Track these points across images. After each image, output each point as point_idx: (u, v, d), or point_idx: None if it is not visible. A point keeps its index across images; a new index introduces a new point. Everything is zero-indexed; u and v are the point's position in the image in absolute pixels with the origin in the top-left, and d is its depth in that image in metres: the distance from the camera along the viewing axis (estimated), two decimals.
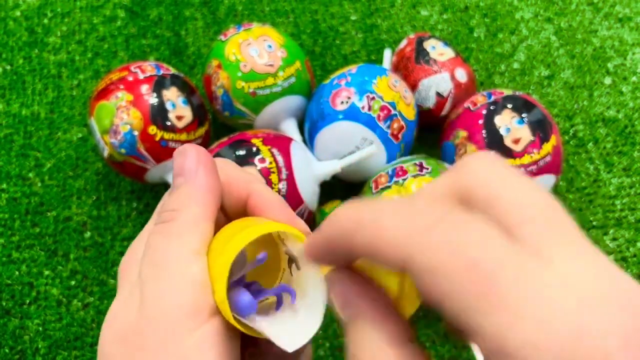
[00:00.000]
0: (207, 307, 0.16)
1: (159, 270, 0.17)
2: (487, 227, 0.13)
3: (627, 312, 0.12)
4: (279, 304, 0.18)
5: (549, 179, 0.39)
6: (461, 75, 0.43)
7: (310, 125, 0.41)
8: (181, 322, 0.16)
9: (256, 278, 0.19)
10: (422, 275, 0.13)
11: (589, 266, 0.13)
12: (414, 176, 0.36)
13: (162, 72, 0.40)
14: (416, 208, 0.14)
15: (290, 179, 0.36)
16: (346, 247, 0.15)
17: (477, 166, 0.15)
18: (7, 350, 0.39)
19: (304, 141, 0.43)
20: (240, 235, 0.17)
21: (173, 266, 0.17)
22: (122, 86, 0.39)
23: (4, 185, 0.45)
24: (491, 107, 0.39)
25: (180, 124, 0.39)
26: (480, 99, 0.40)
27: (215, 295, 0.17)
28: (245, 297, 0.17)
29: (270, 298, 0.18)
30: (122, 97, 0.38)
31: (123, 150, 0.38)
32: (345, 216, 0.15)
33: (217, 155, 0.37)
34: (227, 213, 0.20)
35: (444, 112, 0.43)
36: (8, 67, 0.51)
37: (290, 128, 0.43)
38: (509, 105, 0.39)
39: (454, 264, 0.13)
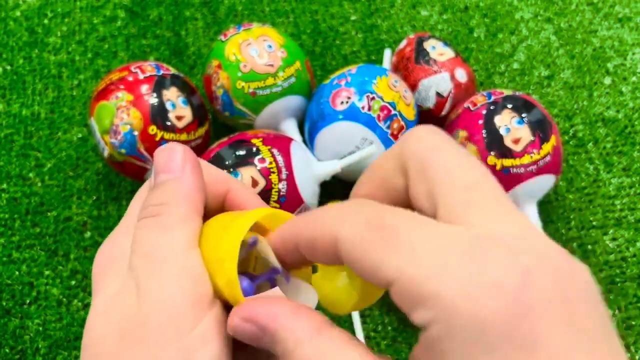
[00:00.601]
0: (207, 298, 0.17)
1: (154, 263, 0.17)
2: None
3: (526, 255, 0.13)
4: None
5: (549, 179, 0.39)
6: (461, 75, 0.43)
7: (310, 125, 0.41)
8: (184, 313, 0.16)
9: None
10: (343, 247, 0.15)
11: (499, 223, 0.14)
12: None
13: (162, 72, 0.40)
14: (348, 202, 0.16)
15: (290, 179, 0.36)
16: (295, 244, 0.17)
17: (414, 138, 0.16)
18: (7, 350, 0.39)
19: (304, 141, 0.43)
20: (242, 218, 0.17)
21: (169, 259, 0.17)
22: (122, 86, 0.39)
23: (4, 185, 0.45)
24: (491, 107, 0.39)
25: (180, 124, 0.39)
26: (480, 99, 0.40)
27: (222, 278, 0.17)
28: (243, 282, 0.17)
29: (263, 284, 0.19)
30: (122, 97, 0.38)
31: (123, 150, 0.38)
32: (296, 219, 0.17)
33: (217, 155, 0.37)
34: (206, 210, 0.20)
35: (443, 112, 0.43)
36: (8, 67, 0.51)
37: (290, 128, 0.43)
38: (509, 105, 0.39)
39: (366, 229, 0.14)
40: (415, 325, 0.13)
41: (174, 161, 0.19)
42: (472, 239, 0.13)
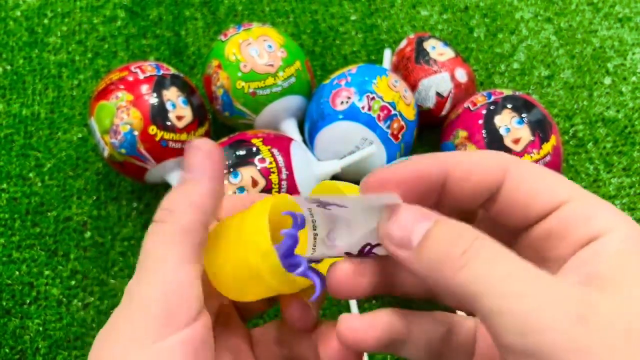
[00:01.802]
0: (182, 317, 0.16)
1: (144, 273, 0.17)
2: None
3: None
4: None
5: None
6: (461, 75, 0.43)
7: (310, 125, 0.41)
8: (147, 331, 0.16)
9: None
10: (517, 170, 0.17)
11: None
12: None
13: (162, 72, 0.40)
14: None
15: (290, 179, 0.36)
16: (444, 176, 0.17)
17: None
18: (7, 350, 0.39)
19: (304, 141, 0.43)
20: (260, 202, 0.18)
21: (158, 272, 0.17)
22: (122, 86, 0.39)
23: (4, 185, 0.45)
24: (491, 107, 0.39)
25: (180, 124, 0.39)
26: (480, 99, 0.40)
27: (260, 247, 0.17)
28: (288, 241, 0.18)
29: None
30: (122, 97, 0.38)
31: (123, 150, 0.38)
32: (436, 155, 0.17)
33: None
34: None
35: (443, 112, 0.43)
36: (8, 67, 0.51)
37: (290, 128, 0.43)
38: (509, 105, 0.39)
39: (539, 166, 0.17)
40: (587, 234, 0.15)
41: (197, 161, 0.18)
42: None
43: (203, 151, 0.18)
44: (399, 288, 0.19)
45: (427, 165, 0.17)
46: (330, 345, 0.19)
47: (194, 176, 0.18)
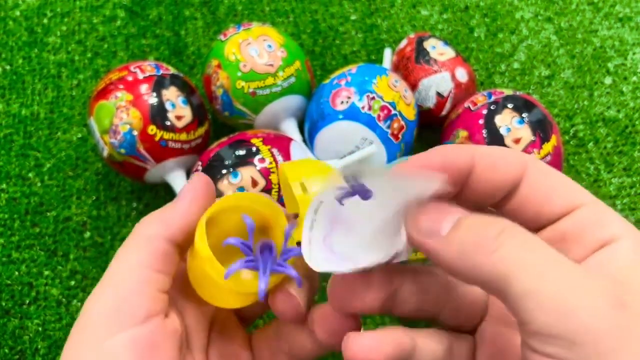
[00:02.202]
0: (130, 316, 0.17)
1: (105, 278, 0.19)
2: None
3: None
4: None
5: None
6: (461, 75, 0.43)
7: (310, 125, 0.41)
8: (98, 328, 0.17)
9: None
10: (534, 166, 0.17)
11: None
12: None
13: (161, 72, 0.40)
14: None
15: None
16: (471, 166, 0.17)
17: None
18: (6, 351, 0.39)
19: (304, 141, 0.43)
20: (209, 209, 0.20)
21: (111, 275, 0.19)
22: (121, 86, 0.39)
23: (4, 185, 0.45)
24: (491, 107, 0.39)
25: (179, 124, 0.39)
26: (480, 98, 0.40)
27: (201, 254, 0.18)
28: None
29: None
30: (121, 97, 0.38)
31: (123, 150, 0.38)
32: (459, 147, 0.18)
33: (216, 155, 0.37)
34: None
35: (444, 112, 0.43)
36: (8, 67, 0.51)
37: (290, 128, 0.42)
38: (509, 105, 0.39)
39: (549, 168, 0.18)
40: (600, 239, 0.16)
41: (183, 189, 0.20)
42: None
43: (191, 181, 0.20)
44: (400, 307, 0.19)
45: (456, 154, 0.17)
46: (325, 323, 0.20)
47: (176, 200, 0.20)
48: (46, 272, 0.41)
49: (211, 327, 0.22)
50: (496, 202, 0.18)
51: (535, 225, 0.17)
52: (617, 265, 0.15)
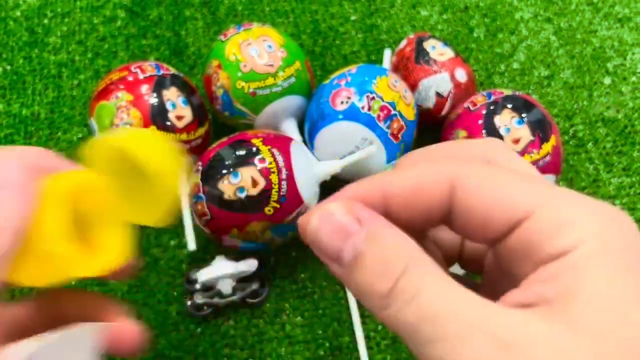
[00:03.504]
0: None
1: None
2: None
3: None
4: None
5: (549, 179, 0.39)
6: (461, 75, 0.43)
7: (310, 126, 0.41)
8: None
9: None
10: (466, 186, 0.15)
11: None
12: None
13: (162, 72, 0.40)
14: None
15: (290, 179, 0.36)
16: (384, 201, 0.15)
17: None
18: None
19: (304, 141, 0.43)
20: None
21: None
22: (122, 86, 0.39)
23: None
24: (491, 107, 0.39)
25: (180, 124, 0.39)
26: (480, 99, 0.40)
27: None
28: None
29: None
30: (122, 97, 0.38)
31: None
32: (378, 176, 0.16)
33: (217, 155, 0.37)
34: None
35: (443, 112, 0.43)
36: (8, 67, 0.51)
37: (290, 128, 0.43)
38: (509, 105, 0.39)
39: (492, 171, 0.15)
40: (550, 253, 0.13)
41: None
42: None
43: None
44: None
45: (365, 192, 0.15)
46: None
47: None
48: None
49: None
50: (440, 222, 0.16)
51: (488, 241, 0.15)
52: (553, 284, 0.13)
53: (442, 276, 0.14)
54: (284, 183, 0.36)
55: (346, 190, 0.16)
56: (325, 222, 0.15)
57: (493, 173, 0.14)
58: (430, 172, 0.15)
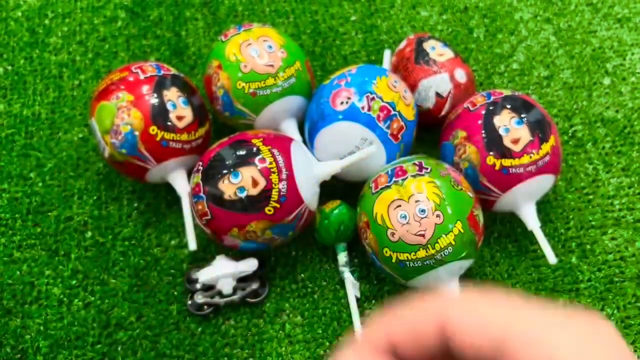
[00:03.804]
0: None
1: None
2: None
3: None
4: None
5: (548, 179, 0.39)
6: (460, 75, 0.43)
7: (310, 126, 0.41)
8: None
9: None
10: (454, 316, 0.14)
11: None
12: (414, 176, 0.36)
13: (162, 72, 0.40)
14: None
15: (291, 179, 0.36)
16: (390, 342, 0.15)
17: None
18: (8, 350, 0.39)
19: (304, 141, 0.43)
20: None
21: None
22: (122, 86, 0.39)
23: (5, 185, 0.45)
24: (490, 108, 0.39)
25: (180, 124, 0.39)
26: (479, 99, 0.40)
27: None
28: None
29: None
30: (122, 97, 0.38)
31: (124, 151, 0.38)
32: (430, 300, 0.15)
33: (217, 155, 0.37)
34: None
35: (443, 113, 0.43)
36: (9, 68, 0.51)
37: (290, 128, 0.43)
38: (508, 106, 0.39)
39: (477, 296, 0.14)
40: None
41: None
42: None
43: None
44: None
45: (422, 321, 0.15)
46: None
47: None
48: (47, 272, 0.42)
49: None
50: None
51: None
52: None
53: None
54: (284, 183, 0.36)
55: (403, 316, 0.16)
56: None
57: (544, 330, 0.14)
58: (420, 311, 0.15)
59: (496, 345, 0.14)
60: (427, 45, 0.44)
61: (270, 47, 0.41)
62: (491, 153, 0.38)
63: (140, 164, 0.39)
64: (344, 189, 0.44)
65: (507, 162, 0.37)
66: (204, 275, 0.39)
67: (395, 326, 0.15)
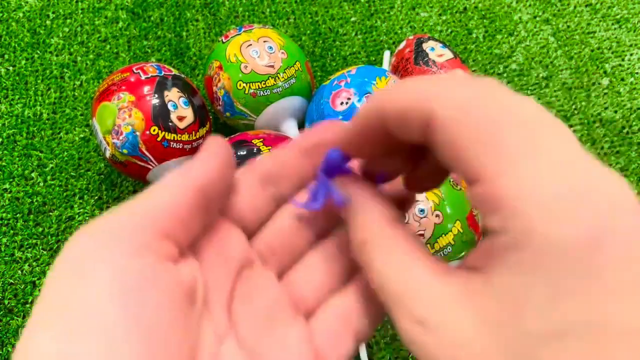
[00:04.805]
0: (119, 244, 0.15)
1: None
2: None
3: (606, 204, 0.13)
4: None
5: None
6: None
7: (310, 126, 0.41)
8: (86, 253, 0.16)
9: None
10: (444, 125, 0.14)
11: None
12: None
13: (163, 73, 0.41)
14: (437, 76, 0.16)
15: None
16: (379, 119, 0.16)
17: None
18: (10, 349, 0.39)
19: None
20: None
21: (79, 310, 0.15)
22: (124, 87, 0.39)
23: (7, 185, 0.45)
24: None
25: (181, 125, 0.39)
26: None
27: None
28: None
29: None
30: (124, 97, 0.39)
31: (125, 151, 0.39)
32: (374, 95, 0.17)
33: None
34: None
35: None
36: (11, 68, 0.51)
37: (290, 129, 0.43)
38: None
39: (472, 116, 0.14)
40: (487, 228, 0.14)
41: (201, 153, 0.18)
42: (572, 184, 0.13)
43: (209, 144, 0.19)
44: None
45: (365, 119, 0.16)
46: None
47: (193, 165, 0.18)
48: (49, 272, 0.42)
49: (238, 276, 0.19)
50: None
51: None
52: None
53: (395, 249, 0.16)
54: None
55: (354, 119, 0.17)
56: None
57: (462, 122, 0.14)
58: (410, 95, 0.15)
59: (422, 107, 0.14)
60: (427, 46, 0.45)
61: (270, 48, 0.41)
62: None
63: (141, 164, 0.39)
64: None
65: None
66: None
67: (387, 105, 0.16)
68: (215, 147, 0.18)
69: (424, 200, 0.35)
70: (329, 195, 0.19)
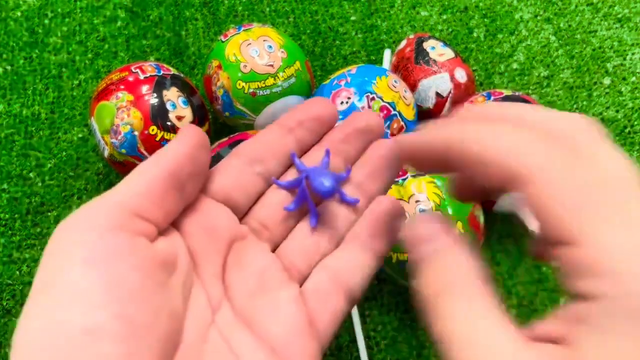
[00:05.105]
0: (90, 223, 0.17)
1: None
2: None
3: None
4: None
5: None
6: (461, 75, 0.43)
7: None
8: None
9: None
10: (533, 189, 0.14)
11: None
12: (414, 176, 0.36)
13: (162, 72, 0.40)
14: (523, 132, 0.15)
15: None
16: (446, 153, 0.16)
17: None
18: (7, 350, 0.39)
19: None
20: None
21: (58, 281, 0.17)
22: (122, 86, 0.39)
23: (5, 185, 0.45)
24: None
25: (180, 124, 0.39)
26: (479, 99, 0.40)
27: None
28: None
29: None
30: (122, 97, 0.38)
31: (124, 151, 0.38)
32: (452, 126, 0.16)
33: (217, 155, 0.37)
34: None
35: (443, 112, 0.43)
36: (9, 68, 0.51)
37: None
38: None
39: (566, 180, 0.14)
40: (572, 292, 0.13)
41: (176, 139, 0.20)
42: None
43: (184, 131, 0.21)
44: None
45: (439, 143, 0.16)
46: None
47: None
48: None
49: (229, 249, 0.20)
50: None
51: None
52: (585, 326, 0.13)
53: (476, 305, 0.14)
54: None
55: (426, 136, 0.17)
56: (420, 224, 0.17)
57: (559, 184, 0.14)
58: (512, 151, 0.14)
59: (508, 165, 0.14)
60: (427, 45, 0.44)
61: (270, 47, 0.41)
62: None
63: (140, 164, 0.39)
64: None
65: None
66: None
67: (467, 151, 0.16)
68: (187, 133, 0.20)
69: (425, 201, 0.35)
70: (305, 203, 0.20)
